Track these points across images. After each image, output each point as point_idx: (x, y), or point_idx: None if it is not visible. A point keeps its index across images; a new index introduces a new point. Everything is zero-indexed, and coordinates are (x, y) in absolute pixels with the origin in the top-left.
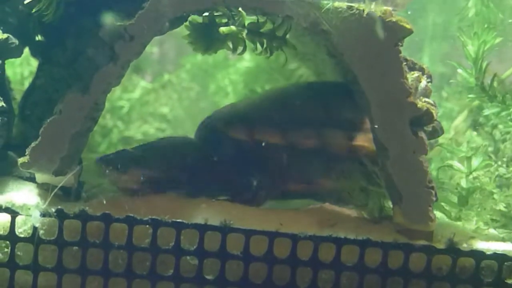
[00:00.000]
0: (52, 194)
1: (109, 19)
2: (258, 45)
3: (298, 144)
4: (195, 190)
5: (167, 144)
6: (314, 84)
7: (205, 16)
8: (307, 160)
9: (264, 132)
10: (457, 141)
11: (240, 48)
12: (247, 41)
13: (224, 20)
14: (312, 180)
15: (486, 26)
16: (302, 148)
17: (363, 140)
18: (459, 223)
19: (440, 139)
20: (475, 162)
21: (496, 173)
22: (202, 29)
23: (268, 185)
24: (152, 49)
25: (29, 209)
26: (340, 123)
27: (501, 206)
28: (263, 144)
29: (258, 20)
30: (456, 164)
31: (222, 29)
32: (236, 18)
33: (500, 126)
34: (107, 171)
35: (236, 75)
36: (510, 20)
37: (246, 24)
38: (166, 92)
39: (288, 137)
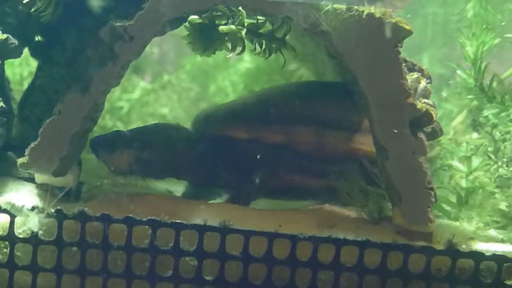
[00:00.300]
0: (51, 196)
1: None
2: (257, 46)
3: (292, 142)
4: (184, 176)
5: (160, 128)
6: (313, 84)
7: (205, 16)
8: (302, 159)
9: (259, 130)
10: (457, 141)
11: (239, 48)
12: (246, 42)
13: (224, 21)
14: (305, 178)
15: (484, 27)
16: (297, 147)
17: (362, 142)
18: (458, 223)
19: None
20: (475, 162)
21: (497, 173)
22: (201, 29)
23: (257, 183)
24: (152, 49)
25: (28, 216)
26: (337, 124)
27: (503, 206)
28: (256, 141)
29: (257, 20)
30: (456, 164)
31: (222, 28)
32: (235, 19)
33: (500, 126)
34: (99, 152)
35: (236, 76)
36: (504, 23)
37: (245, 24)
38: (166, 93)
39: (281, 135)
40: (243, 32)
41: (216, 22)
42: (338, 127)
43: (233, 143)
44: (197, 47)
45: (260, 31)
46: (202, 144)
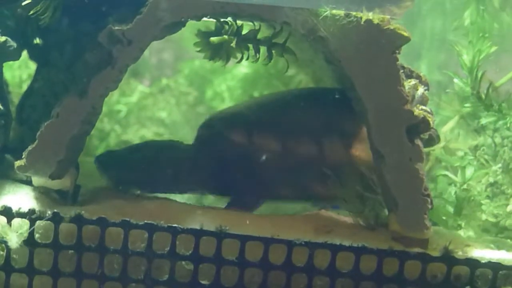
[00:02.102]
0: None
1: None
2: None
3: (292, 150)
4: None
5: (150, 146)
6: (314, 90)
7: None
8: (301, 166)
9: (261, 137)
10: (449, 149)
11: (239, 55)
12: (245, 49)
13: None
14: (305, 185)
15: (481, 35)
16: (296, 154)
17: (360, 150)
18: (454, 231)
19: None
20: (469, 171)
21: (488, 181)
22: (208, 37)
23: (258, 191)
24: (150, 53)
25: (5, 237)
26: (338, 132)
27: (490, 217)
28: (257, 148)
29: (255, 27)
30: (449, 174)
31: (213, 39)
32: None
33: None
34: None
35: (233, 81)
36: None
37: (243, 32)
38: (164, 97)
39: (282, 143)
40: (233, 43)
41: (225, 29)
42: (339, 135)
43: (234, 149)
44: (207, 54)
45: (259, 37)
46: (201, 154)
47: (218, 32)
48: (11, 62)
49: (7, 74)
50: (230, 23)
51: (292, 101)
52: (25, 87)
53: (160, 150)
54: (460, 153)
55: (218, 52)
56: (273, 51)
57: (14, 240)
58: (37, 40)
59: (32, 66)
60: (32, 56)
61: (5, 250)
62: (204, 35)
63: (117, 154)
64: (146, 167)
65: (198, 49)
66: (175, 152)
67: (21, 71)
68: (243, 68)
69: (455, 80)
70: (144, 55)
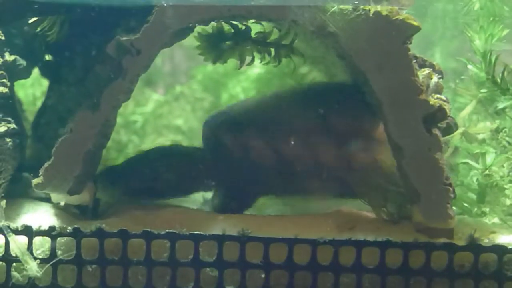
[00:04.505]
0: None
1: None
2: (266, 55)
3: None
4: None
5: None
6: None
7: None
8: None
9: (253, 138)
10: (469, 134)
11: (249, 58)
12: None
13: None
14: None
15: (491, 19)
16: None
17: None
18: (479, 219)
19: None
20: (490, 158)
21: (511, 165)
22: (210, 40)
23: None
24: (163, 61)
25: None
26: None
27: None
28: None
29: (264, 29)
30: (470, 161)
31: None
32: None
33: None
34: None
35: (247, 82)
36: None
37: (253, 34)
38: (179, 104)
39: (274, 144)
40: (248, 47)
41: (225, 30)
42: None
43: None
44: (208, 57)
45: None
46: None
47: (219, 34)
48: (23, 81)
49: (20, 93)
50: (239, 25)
51: (305, 97)
52: (39, 104)
53: (159, 157)
54: (480, 138)
55: (221, 55)
56: (281, 53)
57: (34, 269)
58: (47, 57)
59: (45, 83)
60: (43, 73)
61: None
62: (204, 38)
63: (116, 169)
64: (147, 176)
65: (199, 52)
66: (175, 156)
67: (34, 89)
68: (256, 68)
69: (469, 66)
70: (156, 63)
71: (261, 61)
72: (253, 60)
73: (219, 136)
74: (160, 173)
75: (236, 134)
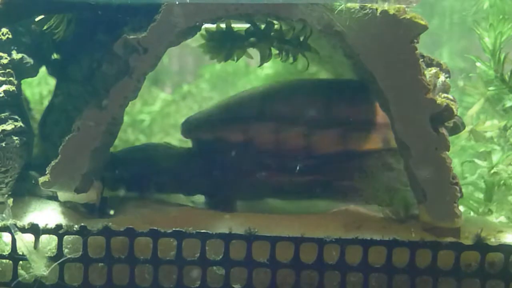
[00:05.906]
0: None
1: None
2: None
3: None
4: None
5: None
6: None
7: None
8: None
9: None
10: (477, 132)
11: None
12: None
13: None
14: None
15: (501, 17)
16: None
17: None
18: (486, 218)
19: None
20: (496, 156)
21: None
22: (220, 37)
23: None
24: (170, 60)
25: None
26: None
27: None
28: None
29: (281, 27)
30: (476, 160)
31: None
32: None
33: None
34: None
35: (256, 82)
36: None
37: (272, 33)
38: (187, 103)
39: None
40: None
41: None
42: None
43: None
44: (217, 55)
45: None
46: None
47: (229, 31)
48: (30, 79)
49: (27, 92)
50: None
51: (309, 91)
52: (46, 103)
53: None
54: (488, 136)
55: (233, 52)
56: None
57: (41, 269)
58: (55, 55)
59: (52, 82)
60: (50, 72)
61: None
62: (213, 36)
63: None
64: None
65: (205, 50)
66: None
67: (41, 88)
68: (265, 69)
69: (478, 64)
70: (163, 62)
71: (280, 58)
72: (270, 56)
73: (196, 134)
74: (140, 169)
75: (211, 131)
